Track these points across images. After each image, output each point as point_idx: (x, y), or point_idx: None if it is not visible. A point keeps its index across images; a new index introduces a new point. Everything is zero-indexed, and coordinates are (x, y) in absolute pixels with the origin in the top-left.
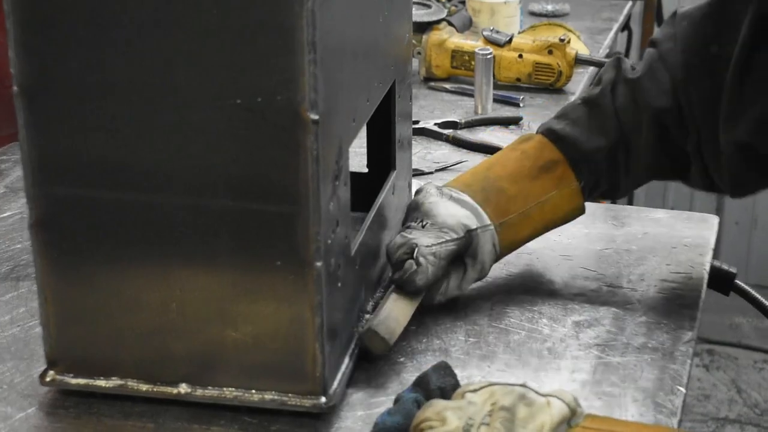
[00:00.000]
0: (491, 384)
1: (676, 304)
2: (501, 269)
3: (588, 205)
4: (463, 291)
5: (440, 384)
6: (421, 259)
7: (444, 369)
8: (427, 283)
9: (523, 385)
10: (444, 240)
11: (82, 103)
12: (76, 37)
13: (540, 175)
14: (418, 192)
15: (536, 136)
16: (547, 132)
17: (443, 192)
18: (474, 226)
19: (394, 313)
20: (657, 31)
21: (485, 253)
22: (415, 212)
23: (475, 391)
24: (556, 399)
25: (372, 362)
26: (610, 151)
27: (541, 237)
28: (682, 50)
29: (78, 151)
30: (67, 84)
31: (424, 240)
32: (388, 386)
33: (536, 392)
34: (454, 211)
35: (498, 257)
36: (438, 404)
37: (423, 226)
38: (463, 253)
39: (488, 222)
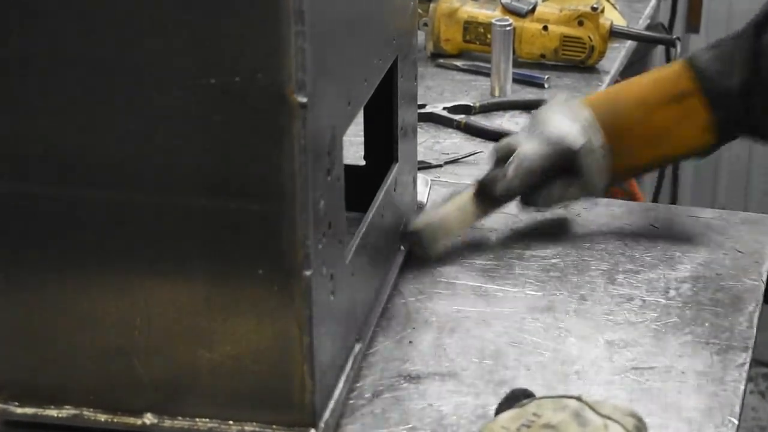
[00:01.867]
0: (543, 397)
1: (727, 321)
2: (518, 278)
3: (625, 203)
4: (565, 204)
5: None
6: (511, 169)
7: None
8: (507, 193)
9: (578, 399)
10: (542, 153)
11: (21, 80)
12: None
13: (670, 103)
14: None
15: (678, 62)
16: (690, 59)
17: (568, 103)
18: (578, 145)
19: (451, 216)
20: None
21: (592, 174)
22: (533, 118)
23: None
24: (616, 425)
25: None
26: (744, 89)
27: (569, 240)
28: None
29: (16, 139)
30: (4, 57)
31: (526, 146)
32: (389, 417)
33: (594, 410)
34: (566, 125)
35: (612, 181)
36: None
37: (532, 132)
38: (567, 168)
39: (599, 143)
